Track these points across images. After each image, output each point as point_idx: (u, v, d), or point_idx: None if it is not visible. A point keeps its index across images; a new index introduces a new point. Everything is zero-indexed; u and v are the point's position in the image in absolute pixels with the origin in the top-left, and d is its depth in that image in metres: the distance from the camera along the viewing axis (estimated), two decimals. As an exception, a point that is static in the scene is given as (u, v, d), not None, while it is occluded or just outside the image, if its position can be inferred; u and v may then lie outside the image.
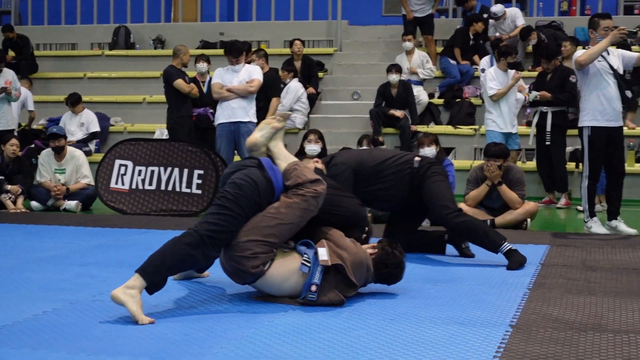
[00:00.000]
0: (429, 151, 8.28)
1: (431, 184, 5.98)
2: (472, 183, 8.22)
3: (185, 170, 9.18)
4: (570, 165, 10.47)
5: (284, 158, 4.82)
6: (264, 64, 11.00)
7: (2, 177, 9.68)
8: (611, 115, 7.61)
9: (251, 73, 9.57)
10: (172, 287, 4.82)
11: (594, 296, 4.85)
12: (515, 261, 5.79)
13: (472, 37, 12.98)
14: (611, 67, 7.58)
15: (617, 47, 7.94)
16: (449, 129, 11.95)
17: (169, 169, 9.23)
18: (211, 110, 11.05)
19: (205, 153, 9.21)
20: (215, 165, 9.13)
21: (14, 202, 9.57)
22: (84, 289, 4.97)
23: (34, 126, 13.08)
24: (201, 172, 9.16)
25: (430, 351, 3.68)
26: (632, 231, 7.71)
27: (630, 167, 10.06)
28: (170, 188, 9.20)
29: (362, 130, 11.78)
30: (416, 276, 5.36)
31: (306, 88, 12.35)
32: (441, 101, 12.61)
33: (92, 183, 9.76)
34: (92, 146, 12.22)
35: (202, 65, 11.30)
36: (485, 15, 13.14)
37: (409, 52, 12.67)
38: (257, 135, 4.90)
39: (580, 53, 7.62)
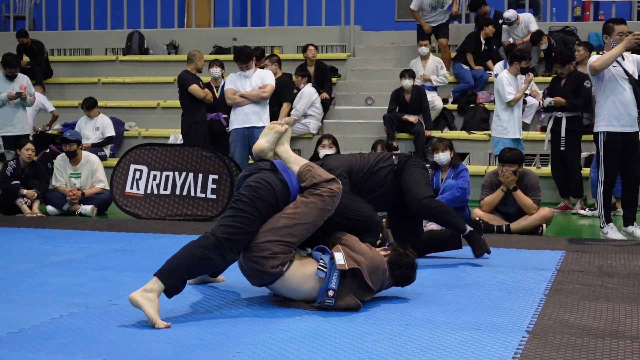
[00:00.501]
0: (443, 156, 8.27)
1: (407, 175, 6.09)
2: (487, 188, 8.20)
3: (200, 175, 9.20)
4: (585, 171, 10.42)
5: (295, 161, 4.84)
6: (277, 69, 11.03)
7: (18, 182, 9.72)
8: (626, 121, 7.59)
9: (263, 78, 9.59)
10: (187, 292, 4.82)
11: (611, 302, 4.82)
12: (479, 247, 6.14)
13: (483, 41, 12.96)
14: (626, 72, 7.55)
15: (632, 53, 7.91)
16: (463, 134, 11.93)
17: (184, 173, 9.25)
18: (224, 116, 11.07)
19: (220, 158, 9.22)
20: (230, 170, 9.15)
21: (30, 207, 9.61)
22: (99, 293, 4.99)
23: (49, 131, 13.12)
24: (216, 177, 9.17)
25: (447, 357, 3.68)
26: (649, 237, 7.68)
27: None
28: (185, 193, 9.22)
29: (375, 135, 11.78)
30: (432, 281, 5.35)
31: (320, 93, 12.35)
32: (455, 106, 12.59)
33: (108, 188, 9.79)
34: (107, 151, 12.26)
35: (216, 71, 11.32)
36: (500, 21, 13.11)
37: (424, 58, 12.66)
38: (262, 142, 4.96)
39: (595, 58, 7.60)
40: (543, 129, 10.92)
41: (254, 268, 4.52)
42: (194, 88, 10.44)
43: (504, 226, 8.02)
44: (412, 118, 11.62)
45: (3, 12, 17.52)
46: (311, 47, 12.79)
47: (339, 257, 4.51)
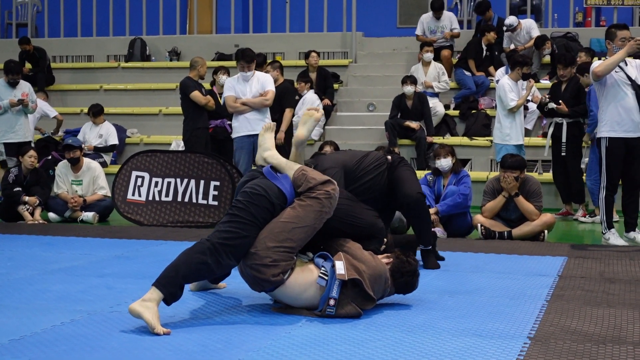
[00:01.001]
0: (445, 162, 8.27)
1: (402, 171, 6.03)
2: (488, 194, 8.20)
3: (202, 182, 9.21)
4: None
5: (287, 166, 4.81)
6: (278, 75, 11.02)
7: (20, 189, 9.72)
8: (629, 126, 7.58)
9: (263, 83, 9.56)
10: (188, 298, 4.83)
11: (613, 308, 4.82)
12: (431, 264, 6.17)
13: (485, 47, 12.97)
14: (629, 77, 7.55)
15: (635, 58, 7.91)
16: (465, 140, 11.94)
17: (186, 180, 9.26)
18: (228, 122, 11.06)
19: (222, 164, 9.23)
20: (232, 176, 9.15)
21: (32, 214, 9.62)
22: (101, 300, 4.99)
23: (56, 135, 13.14)
24: (217, 183, 9.18)
25: (449, 363, 3.68)
26: (650, 243, 7.67)
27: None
28: (186, 199, 9.22)
29: (377, 141, 11.78)
30: (434, 288, 5.34)
31: (321, 100, 12.36)
32: (457, 112, 12.59)
33: (109, 194, 9.79)
34: (107, 157, 12.26)
35: (224, 78, 11.29)
36: (504, 28, 13.12)
37: (425, 64, 12.67)
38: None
39: (597, 64, 7.60)
40: (545, 135, 10.91)
41: (255, 276, 4.52)
42: (196, 95, 10.45)
43: (505, 232, 8.02)
44: (413, 124, 11.63)
45: (5, 19, 17.56)
46: (314, 54, 12.81)
47: (340, 266, 4.50)
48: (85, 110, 13.00)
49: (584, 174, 10.15)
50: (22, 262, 6.47)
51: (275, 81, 10.95)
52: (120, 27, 15.95)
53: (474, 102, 12.58)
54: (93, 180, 9.89)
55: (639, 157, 7.70)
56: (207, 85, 11.37)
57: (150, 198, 9.33)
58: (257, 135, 9.30)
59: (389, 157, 6.10)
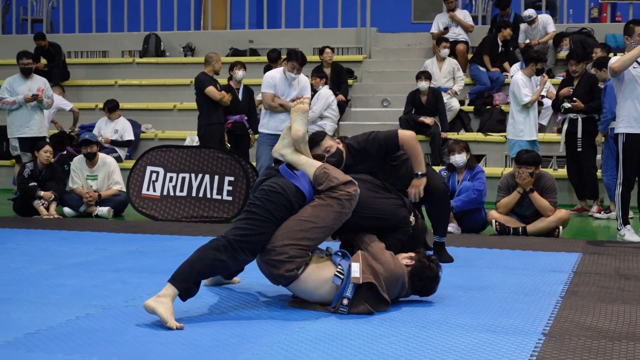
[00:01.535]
0: (460, 158, 8.25)
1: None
2: (503, 190, 8.17)
3: (216, 177, 9.22)
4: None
5: (308, 163, 4.79)
6: (293, 70, 11.01)
7: (35, 184, 9.76)
8: None
9: (303, 89, 9.33)
10: (203, 293, 4.83)
11: (628, 305, 4.80)
12: (444, 258, 6.15)
13: (500, 43, 12.93)
14: None
15: None
16: (480, 136, 11.91)
17: (200, 175, 9.27)
18: (246, 118, 11.08)
19: (236, 160, 9.24)
20: (246, 172, 9.16)
21: (47, 208, 9.66)
22: (116, 294, 5.01)
23: (72, 132, 13.20)
24: (232, 178, 9.19)
25: (462, 359, 3.67)
26: (665, 239, 7.63)
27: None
28: (201, 194, 9.24)
29: (391, 137, 11.74)
30: (448, 283, 5.33)
31: (336, 95, 12.35)
32: (471, 108, 12.56)
33: (124, 189, 9.82)
34: (122, 152, 12.30)
35: (243, 73, 11.28)
36: (525, 18, 13.07)
37: (440, 59, 12.64)
38: (298, 128, 4.85)
39: (614, 60, 7.56)
40: (559, 131, 10.87)
41: (270, 271, 4.55)
42: (211, 90, 10.47)
43: (520, 228, 8.00)
44: (428, 120, 11.61)
45: (21, 15, 17.63)
46: (328, 50, 12.79)
47: (355, 269, 4.49)
48: (100, 105, 13.04)
49: (599, 170, 10.12)
50: (38, 257, 6.50)
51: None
52: (135, 22, 15.99)
53: (489, 98, 12.55)
54: (108, 175, 9.92)
55: None
56: (223, 81, 11.37)
57: (165, 193, 9.36)
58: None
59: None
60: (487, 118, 12.21)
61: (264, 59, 13.46)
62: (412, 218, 5.34)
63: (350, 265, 4.52)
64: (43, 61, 14.27)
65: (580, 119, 9.81)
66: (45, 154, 9.89)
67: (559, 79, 12.17)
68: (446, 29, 13.36)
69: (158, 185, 9.38)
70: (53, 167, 10.08)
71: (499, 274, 5.84)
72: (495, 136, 11.82)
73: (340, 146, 5.71)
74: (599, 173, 10.21)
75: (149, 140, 13.13)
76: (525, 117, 9.89)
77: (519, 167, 7.98)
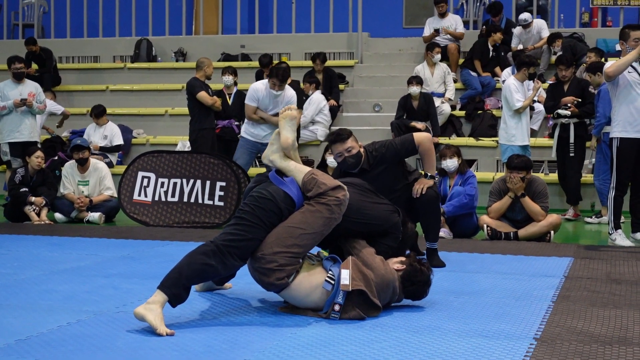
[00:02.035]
0: (451, 163, 8.26)
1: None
2: (494, 195, 8.19)
3: (208, 182, 9.21)
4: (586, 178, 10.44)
5: (296, 169, 4.76)
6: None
7: (26, 189, 9.74)
8: None
9: (289, 104, 9.28)
10: (194, 299, 4.83)
11: (619, 309, 4.81)
12: (438, 262, 6.20)
13: (491, 48, 12.97)
14: None
15: None
16: (471, 140, 11.93)
17: (192, 181, 9.26)
18: (236, 123, 11.09)
19: (228, 165, 9.23)
20: (238, 177, 9.16)
21: (38, 214, 9.63)
22: (107, 300, 5.00)
23: (60, 132, 13.18)
24: (223, 184, 9.18)
25: (455, 364, 3.67)
26: (657, 244, 7.65)
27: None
28: (192, 200, 9.23)
29: (383, 142, 11.75)
30: (439, 288, 5.34)
31: (327, 100, 12.37)
32: (463, 113, 12.59)
33: (115, 195, 9.80)
34: (113, 158, 12.28)
35: (228, 78, 11.31)
36: (516, 26, 13.11)
37: (431, 65, 12.66)
38: (287, 135, 4.81)
39: (609, 64, 7.59)
40: (551, 136, 10.89)
41: (260, 278, 4.56)
42: (202, 95, 10.46)
43: (511, 233, 8.01)
44: (419, 124, 11.61)
45: (12, 20, 17.59)
46: (318, 62, 12.74)
47: (345, 276, 4.48)
48: (93, 110, 13.02)
49: (584, 176, 10.15)
50: (29, 263, 6.48)
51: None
52: (127, 27, 15.97)
53: (480, 103, 12.57)
54: (99, 180, 9.90)
55: None
56: (216, 86, 11.37)
57: (157, 198, 9.34)
58: (261, 142, 9.34)
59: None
60: (479, 123, 12.24)
61: (256, 64, 13.47)
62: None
63: (340, 272, 4.52)
64: (34, 66, 14.25)
65: (572, 124, 9.83)
66: (37, 159, 9.87)
67: (550, 84, 12.23)
68: (437, 31, 13.37)
69: (149, 190, 9.37)
70: (44, 172, 10.06)
71: (490, 278, 5.85)
72: (486, 141, 11.84)
73: (362, 150, 5.78)
74: (590, 178, 10.24)
75: (140, 145, 13.12)
76: (517, 122, 9.90)
77: (510, 172, 7.99)
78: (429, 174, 6.07)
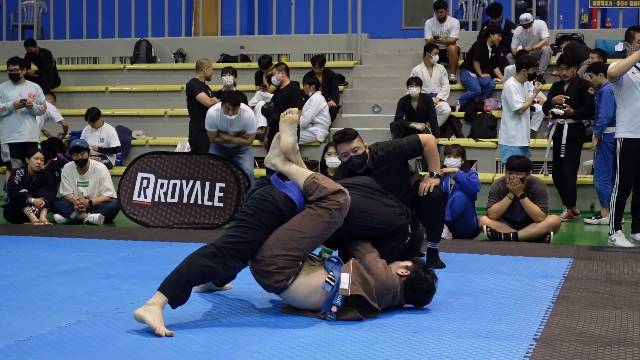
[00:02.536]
0: (454, 162, 8.29)
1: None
2: (494, 196, 8.19)
3: (207, 183, 9.21)
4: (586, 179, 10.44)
5: (298, 173, 4.75)
6: (284, 77, 11.04)
7: (26, 190, 9.74)
8: None
9: (246, 126, 9.43)
10: (194, 300, 4.83)
11: (619, 310, 4.81)
12: (439, 263, 6.25)
13: (490, 49, 12.97)
14: None
15: None
16: (471, 141, 11.92)
17: (191, 182, 9.26)
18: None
19: (227, 166, 9.23)
20: (237, 178, 9.16)
21: (38, 215, 9.63)
22: (107, 301, 5.00)
23: (63, 139, 13.17)
24: (223, 185, 9.18)
25: (454, 364, 3.67)
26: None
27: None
28: (192, 201, 9.23)
29: (382, 143, 11.75)
30: (439, 289, 5.30)
31: (327, 101, 12.37)
32: (462, 114, 12.59)
33: (115, 196, 9.80)
34: (112, 159, 12.28)
35: (229, 79, 11.31)
36: (517, 27, 13.13)
37: (430, 66, 12.66)
38: (287, 139, 4.80)
39: (612, 65, 7.60)
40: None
41: (260, 280, 4.57)
42: (202, 96, 10.46)
43: (511, 234, 8.01)
44: (419, 125, 11.61)
45: (11, 21, 17.58)
46: (317, 65, 12.74)
47: (344, 280, 4.47)
48: (92, 111, 13.02)
49: (579, 177, 10.15)
50: (28, 264, 6.48)
51: (281, 83, 10.98)
52: (126, 28, 15.98)
53: (480, 104, 12.58)
54: (99, 181, 9.90)
55: None
56: (215, 87, 11.37)
57: (156, 199, 9.34)
58: (231, 148, 9.41)
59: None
60: (478, 124, 12.24)
61: (255, 65, 13.48)
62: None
63: (340, 275, 4.52)
64: (34, 67, 14.24)
65: (566, 125, 9.83)
66: (36, 160, 9.87)
67: (550, 84, 12.24)
68: (436, 38, 13.38)
69: (149, 191, 9.37)
70: (44, 173, 10.06)
71: (490, 279, 5.85)
72: (486, 142, 11.84)
73: (367, 151, 5.86)
74: (589, 178, 10.24)
75: (140, 146, 13.12)
76: (517, 123, 9.91)
77: (510, 173, 8.00)
78: (435, 173, 6.10)
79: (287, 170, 4.79)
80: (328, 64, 13.51)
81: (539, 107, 11.55)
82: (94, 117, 12.22)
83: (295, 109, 5.02)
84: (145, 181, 9.40)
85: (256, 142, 12.44)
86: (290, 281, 4.50)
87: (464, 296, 5.21)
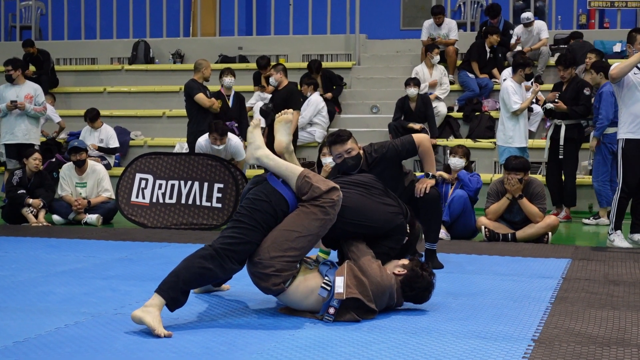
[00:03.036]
0: (458, 162, 8.35)
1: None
2: (492, 196, 8.20)
3: (206, 184, 9.21)
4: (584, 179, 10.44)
5: (288, 170, 4.66)
6: (282, 77, 11.04)
7: (24, 191, 9.73)
8: None
9: (235, 154, 9.55)
10: (192, 301, 4.82)
11: (617, 310, 4.82)
12: (437, 264, 6.25)
13: (488, 50, 12.98)
14: None
15: None
16: (469, 142, 11.90)
17: (189, 182, 9.26)
18: (236, 124, 11.08)
19: (225, 167, 9.23)
20: (235, 178, 9.16)
21: (36, 216, 9.63)
22: (105, 302, 4.99)
23: (57, 138, 13.16)
24: (221, 185, 9.18)
25: (453, 365, 3.67)
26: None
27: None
28: (190, 202, 9.23)
29: (381, 144, 11.75)
30: (437, 290, 5.31)
31: (331, 91, 12.39)
32: (460, 115, 12.59)
33: (113, 197, 9.80)
34: (110, 160, 12.27)
35: (231, 80, 11.31)
36: (519, 25, 13.15)
37: (430, 66, 12.67)
38: (282, 139, 4.79)
39: (614, 66, 7.61)
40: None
41: (258, 282, 4.56)
42: (200, 97, 10.46)
43: (509, 234, 8.02)
44: (417, 126, 11.61)
45: (9, 22, 17.58)
46: (314, 72, 12.74)
47: (339, 284, 4.47)
48: (90, 112, 13.02)
49: (577, 177, 10.15)
50: (26, 265, 6.47)
51: (279, 84, 10.98)
52: (124, 29, 15.98)
53: (478, 104, 12.58)
54: (97, 182, 9.90)
55: None
56: (214, 88, 11.37)
57: (154, 200, 9.34)
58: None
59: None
60: (476, 124, 12.25)
61: (254, 65, 13.48)
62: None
63: (335, 279, 4.51)
64: (32, 68, 14.23)
65: (563, 125, 9.84)
66: (35, 161, 9.86)
67: (549, 84, 12.24)
68: (434, 40, 13.38)
69: (147, 192, 9.36)
70: (42, 174, 10.05)
71: (488, 280, 5.85)
72: (484, 142, 11.85)
73: (361, 152, 5.85)
74: (587, 179, 10.24)
75: (138, 147, 13.11)
76: (515, 123, 9.92)
77: (508, 173, 8.01)
78: (430, 174, 6.10)
79: (274, 165, 4.69)
80: (326, 64, 13.51)
81: (537, 108, 11.56)
82: (93, 117, 12.22)
83: (290, 110, 5.01)
84: (143, 182, 9.40)
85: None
86: (288, 284, 4.50)
87: (462, 297, 5.21)
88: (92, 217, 9.64)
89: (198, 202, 9.21)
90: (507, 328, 4.35)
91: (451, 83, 13.06)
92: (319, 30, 15.26)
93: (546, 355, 3.80)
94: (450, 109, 12.59)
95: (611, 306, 4.94)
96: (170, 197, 9.28)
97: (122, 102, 14.41)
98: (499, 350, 3.90)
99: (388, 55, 14.57)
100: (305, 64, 13.40)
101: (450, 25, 13.64)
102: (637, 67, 7.49)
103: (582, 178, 10.56)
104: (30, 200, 9.66)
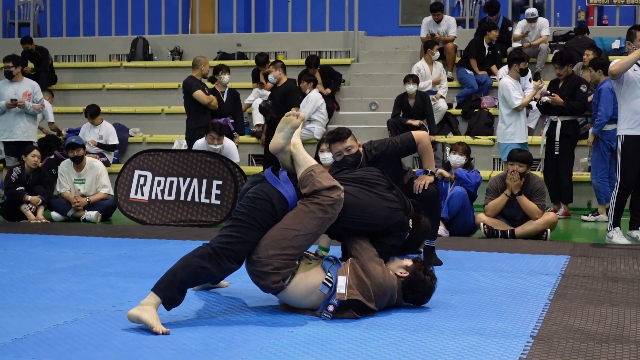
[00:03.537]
0: (458, 159, 8.37)
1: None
2: (491, 193, 8.20)
3: (204, 181, 9.21)
4: (582, 176, 10.43)
5: (303, 161, 4.67)
6: (281, 74, 11.03)
7: (23, 188, 9.73)
8: None
9: (229, 155, 9.59)
10: (191, 298, 4.83)
11: (616, 307, 4.82)
12: (435, 260, 6.24)
13: (487, 46, 12.97)
14: None
15: None
16: (468, 139, 11.89)
17: (188, 179, 9.26)
18: (231, 120, 11.09)
19: (224, 163, 9.23)
20: (234, 175, 9.15)
21: (35, 213, 9.62)
22: (104, 299, 4.99)
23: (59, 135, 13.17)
24: (220, 182, 9.18)
25: (452, 362, 3.68)
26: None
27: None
28: (189, 198, 9.22)
29: (380, 140, 11.75)
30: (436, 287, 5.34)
31: (330, 85, 12.40)
32: (459, 111, 12.59)
33: (112, 193, 9.80)
34: (109, 156, 12.27)
35: (228, 78, 11.33)
36: (522, 20, 13.16)
37: (431, 62, 12.67)
38: (278, 139, 4.76)
39: (614, 63, 7.62)
40: (547, 134, 10.90)
41: (257, 281, 4.56)
42: (199, 94, 10.46)
43: (508, 231, 8.02)
44: (415, 122, 11.61)
45: (8, 19, 17.56)
46: (312, 67, 12.74)
47: (341, 284, 4.46)
48: (89, 109, 13.01)
49: (574, 174, 10.15)
50: (25, 262, 6.47)
51: (278, 81, 10.98)
52: (123, 26, 15.97)
53: (477, 101, 12.58)
54: (96, 179, 9.89)
55: None
56: (209, 85, 11.37)
57: (153, 197, 9.34)
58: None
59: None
60: (475, 121, 12.25)
61: (252, 62, 13.48)
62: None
63: (337, 277, 4.50)
64: (30, 65, 14.22)
65: (559, 122, 9.84)
66: (33, 158, 9.86)
67: (546, 81, 12.24)
68: (433, 35, 13.38)
69: (146, 189, 9.36)
70: (41, 171, 10.05)
71: (487, 277, 5.85)
72: (483, 139, 11.85)
73: (361, 149, 5.88)
74: (585, 175, 10.24)
75: (136, 144, 13.10)
76: (515, 120, 9.93)
77: (512, 164, 7.99)
78: (430, 171, 6.10)
79: (296, 154, 4.68)
80: (325, 61, 13.50)
81: (532, 104, 11.54)
82: (93, 113, 12.20)
83: (302, 114, 4.93)
84: (142, 179, 9.39)
85: (253, 139, 12.46)
86: (287, 281, 4.49)
87: (461, 294, 5.21)
88: (91, 214, 9.64)
89: (197, 199, 9.20)
90: (506, 325, 4.35)
91: (450, 80, 13.06)
92: (317, 27, 15.25)
93: (545, 352, 3.81)
94: (449, 106, 12.59)
95: (610, 303, 4.94)
96: (169, 194, 9.28)
97: (121, 99, 14.40)
98: (497, 347, 3.90)
99: (387, 52, 14.56)
100: (304, 61, 13.40)
101: (449, 22, 13.65)
102: (637, 63, 7.50)
103: (581, 175, 10.56)
104: (29, 197, 9.65)
